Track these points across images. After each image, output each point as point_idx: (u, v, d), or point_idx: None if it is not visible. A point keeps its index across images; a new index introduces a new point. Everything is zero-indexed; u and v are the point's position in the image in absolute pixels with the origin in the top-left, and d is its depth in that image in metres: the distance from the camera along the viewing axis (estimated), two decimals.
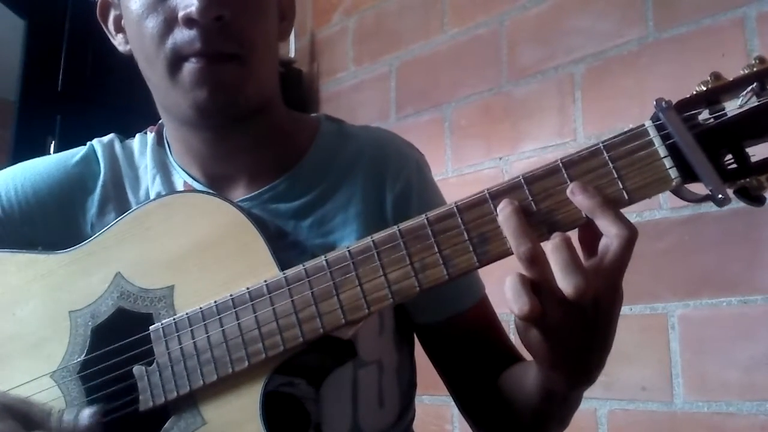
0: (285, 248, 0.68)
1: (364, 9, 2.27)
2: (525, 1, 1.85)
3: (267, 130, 0.84)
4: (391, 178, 0.84)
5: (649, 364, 1.51)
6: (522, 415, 0.77)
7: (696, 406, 1.44)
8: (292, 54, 2.38)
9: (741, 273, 1.42)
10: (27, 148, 1.97)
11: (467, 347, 0.87)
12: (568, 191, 0.59)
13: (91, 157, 0.89)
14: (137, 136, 0.92)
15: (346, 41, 2.32)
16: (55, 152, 1.93)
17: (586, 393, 0.69)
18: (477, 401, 0.87)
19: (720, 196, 0.56)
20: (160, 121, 0.90)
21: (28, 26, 2.06)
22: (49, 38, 2.08)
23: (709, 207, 1.46)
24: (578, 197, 0.58)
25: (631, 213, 0.97)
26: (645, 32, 1.61)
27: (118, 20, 0.84)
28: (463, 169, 1.91)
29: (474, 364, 0.87)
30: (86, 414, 0.68)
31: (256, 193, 0.83)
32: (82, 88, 2.10)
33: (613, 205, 0.58)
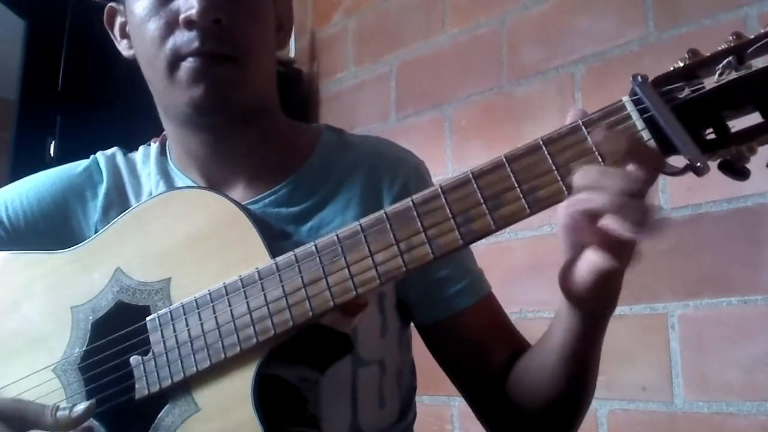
0: (287, 248, 0.69)
1: (365, 9, 2.27)
2: (526, 1, 1.85)
3: (265, 134, 0.87)
4: (388, 181, 0.86)
5: (649, 364, 1.51)
6: (552, 392, 0.76)
7: (696, 406, 1.44)
8: (292, 54, 2.38)
9: (741, 273, 1.41)
10: (27, 148, 1.97)
11: (473, 345, 0.87)
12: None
13: (93, 168, 0.92)
14: (141, 148, 0.95)
15: (346, 41, 2.32)
16: (55, 152, 1.95)
17: None
18: (492, 399, 0.85)
19: (698, 164, 0.55)
20: (164, 133, 0.92)
21: (28, 26, 2.06)
22: (49, 38, 2.08)
23: (710, 207, 1.46)
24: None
25: None
26: (645, 32, 1.61)
27: (123, 26, 0.89)
28: (463, 169, 1.89)
29: (482, 362, 0.86)
30: (80, 407, 0.69)
31: (257, 197, 0.85)
32: (83, 88, 2.10)
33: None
